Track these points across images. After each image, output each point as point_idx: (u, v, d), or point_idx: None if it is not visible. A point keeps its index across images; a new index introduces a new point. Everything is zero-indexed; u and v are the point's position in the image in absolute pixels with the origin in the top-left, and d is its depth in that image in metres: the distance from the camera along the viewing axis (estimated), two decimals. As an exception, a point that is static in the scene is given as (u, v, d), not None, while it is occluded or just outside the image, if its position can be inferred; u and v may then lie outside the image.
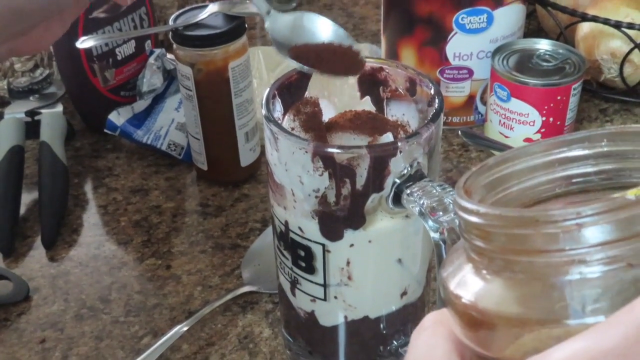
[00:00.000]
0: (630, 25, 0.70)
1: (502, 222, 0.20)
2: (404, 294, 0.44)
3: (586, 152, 0.23)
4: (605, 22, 0.71)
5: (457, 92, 0.73)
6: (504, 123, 0.68)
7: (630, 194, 0.19)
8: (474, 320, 0.21)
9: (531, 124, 0.67)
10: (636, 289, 0.18)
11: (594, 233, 0.19)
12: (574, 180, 0.23)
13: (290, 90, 0.44)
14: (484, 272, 0.22)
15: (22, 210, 0.66)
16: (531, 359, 0.19)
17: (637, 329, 0.17)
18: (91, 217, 0.66)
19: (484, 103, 0.74)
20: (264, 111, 0.41)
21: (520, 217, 0.20)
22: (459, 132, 0.70)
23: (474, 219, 0.21)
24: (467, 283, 0.22)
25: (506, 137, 0.69)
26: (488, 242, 0.21)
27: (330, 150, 0.38)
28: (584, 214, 0.19)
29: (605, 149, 0.22)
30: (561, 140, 0.23)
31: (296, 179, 0.39)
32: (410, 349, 0.24)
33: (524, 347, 0.20)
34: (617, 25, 0.71)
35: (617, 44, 0.73)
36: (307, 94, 0.45)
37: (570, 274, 0.19)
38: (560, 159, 0.23)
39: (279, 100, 0.43)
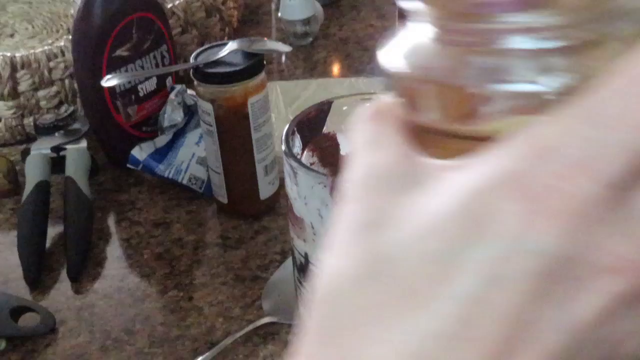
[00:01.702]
0: None
1: None
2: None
3: None
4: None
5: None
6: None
7: None
8: (428, 91, 0.20)
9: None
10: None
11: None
12: None
13: (309, 126, 0.45)
14: (434, 41, 0.21)
15: (48, 243, 0.67)
16: (519, 133, 0.17)
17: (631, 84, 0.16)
18: (115, 250, 0.67)
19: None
20: (283, 147, 0.42)
21: None
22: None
23: None
24: (416, 55, 0.21)
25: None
26: (439, 8, 0.20)
27: (348, 184, 0.39)
28: None
29: None
30: None
31: (315, 213, 0.40)
32: (352, 142, 0.21)
33: (499, 124, 0.19)
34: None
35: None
36: (325, 129, 0.46)
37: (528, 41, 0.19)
38: None
39: (298, 135, 0.45)
